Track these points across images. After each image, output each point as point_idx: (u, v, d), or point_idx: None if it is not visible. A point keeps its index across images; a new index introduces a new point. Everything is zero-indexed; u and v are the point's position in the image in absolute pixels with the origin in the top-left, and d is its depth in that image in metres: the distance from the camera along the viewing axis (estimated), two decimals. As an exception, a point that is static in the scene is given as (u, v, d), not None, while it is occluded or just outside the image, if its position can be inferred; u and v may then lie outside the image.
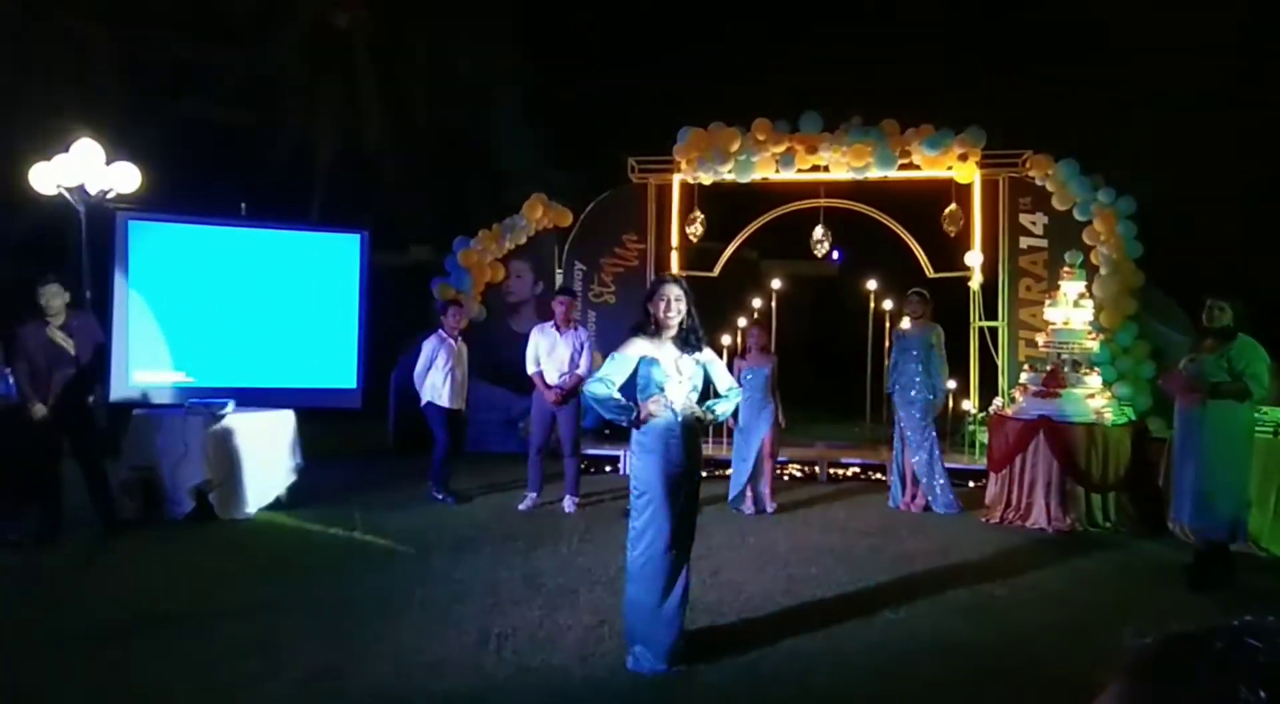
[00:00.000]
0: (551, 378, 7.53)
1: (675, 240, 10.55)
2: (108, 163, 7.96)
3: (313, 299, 9.44)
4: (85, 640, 4.55)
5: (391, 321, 10.63)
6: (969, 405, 9.75)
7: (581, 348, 7.62)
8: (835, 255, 10.50)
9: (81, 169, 7.84)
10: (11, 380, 6.43)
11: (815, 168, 9.92)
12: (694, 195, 10.39)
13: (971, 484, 8.64)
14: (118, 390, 8.59)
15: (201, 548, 6.35)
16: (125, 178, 8.02)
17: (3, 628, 4.75)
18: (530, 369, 7.63)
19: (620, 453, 9.45)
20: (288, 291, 9.31)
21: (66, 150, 7.95)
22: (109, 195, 8.05)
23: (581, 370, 7.54)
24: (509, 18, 16.57)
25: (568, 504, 7.62)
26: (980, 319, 10.01)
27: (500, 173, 15.96)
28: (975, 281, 9.92)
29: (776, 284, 10.03)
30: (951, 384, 8.88)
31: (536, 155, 16.23)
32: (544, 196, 10.86)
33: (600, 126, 16.52)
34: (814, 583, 5.65)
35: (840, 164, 9.74)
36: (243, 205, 9.70)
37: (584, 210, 10.94)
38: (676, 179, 10.43)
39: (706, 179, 10.13)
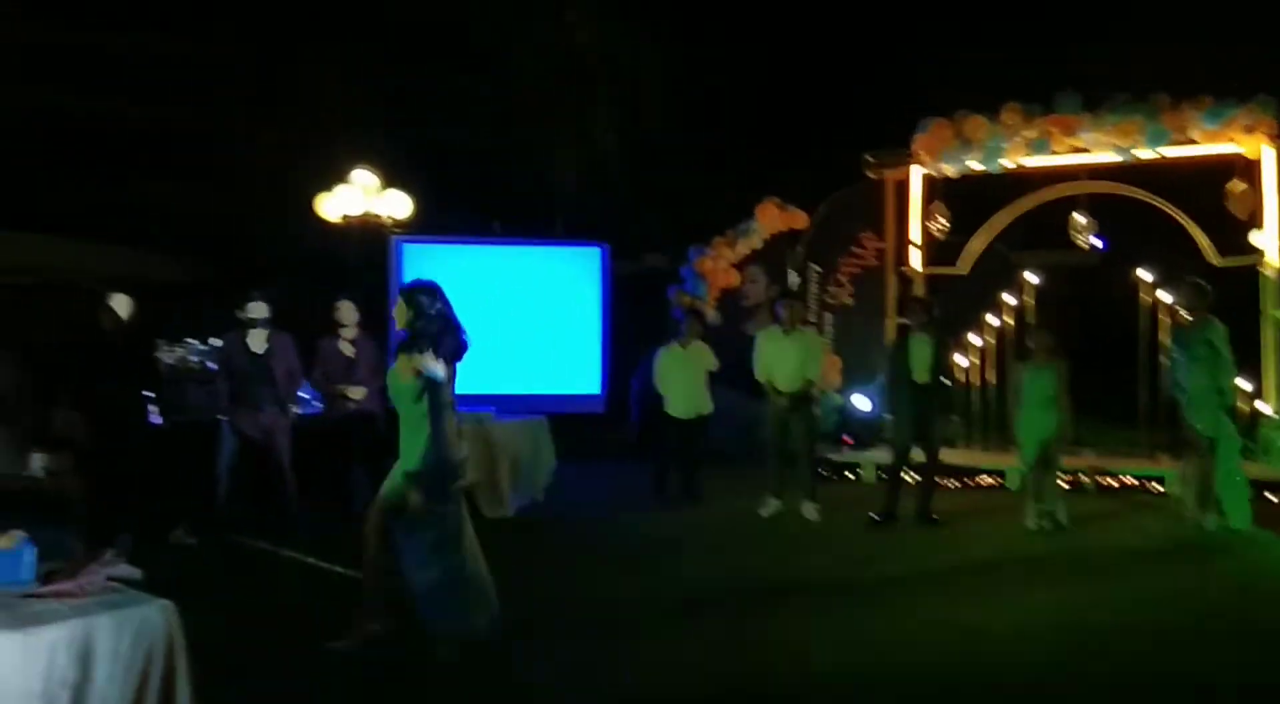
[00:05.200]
0: (782, 384, 7.46)
1: (917, 236, 10.12)
2: (382, 190, 8.78)
3: (559, 310, 9.91)
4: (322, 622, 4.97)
5: (628, 328, 10.97)
6: (1266, 408, 8.61)
7: (810, 351, 7.48)
8: (1099, 244, 9.64)
9: (359, 197, 8.68)
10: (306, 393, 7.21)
11: (1073, 150, 9.16)
12: (935, 188, 9.92)
13: (1270, 497, 7.63)
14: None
15: (469, 544, 6.79)
16: (398, 204, 8.80)
17: (296, 600, 5.30)
18: (759, 375, 7.59)
19: (861, 458, 9.19)
20: (538, 303, 9.83)
21: (347, 181, 8.85)
22: (384, 220, 8.87)
23: (811, 375, 7.42)
24: (734, 20, 16.63)
25: (809, 510, 7.50)
26: (1275, 308, 8.82)
27: (726, 178, 16.04)
28: (1270, 267, 8.76)
29: (1032, 278, 9.35)
30: (1245, 385, 7.89)
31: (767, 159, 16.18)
32: (777, 200, 10.79)
33: (829, 123, 16.22)
34: (1090, 606, 5.20)
35: (1103, 144, 8.94)
36: (497, 224, 10.36)
37: (817, 211, 10.74)
38: (916, 172, 10.01)
39: (951, 171, 9.63)
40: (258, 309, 6.78)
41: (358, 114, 14.59)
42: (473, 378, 9.42)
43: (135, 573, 2.85)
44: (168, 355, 8.50)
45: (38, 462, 7.66)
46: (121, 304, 6.36)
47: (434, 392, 4.11)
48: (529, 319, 9.81)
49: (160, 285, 12.04)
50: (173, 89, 21.86)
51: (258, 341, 6.79)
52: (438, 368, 4.13)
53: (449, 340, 4.23)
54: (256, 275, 11.87)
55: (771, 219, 10.72)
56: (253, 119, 16.39)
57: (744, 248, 10.81)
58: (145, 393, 6.51)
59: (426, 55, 15.50)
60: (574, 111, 15.59)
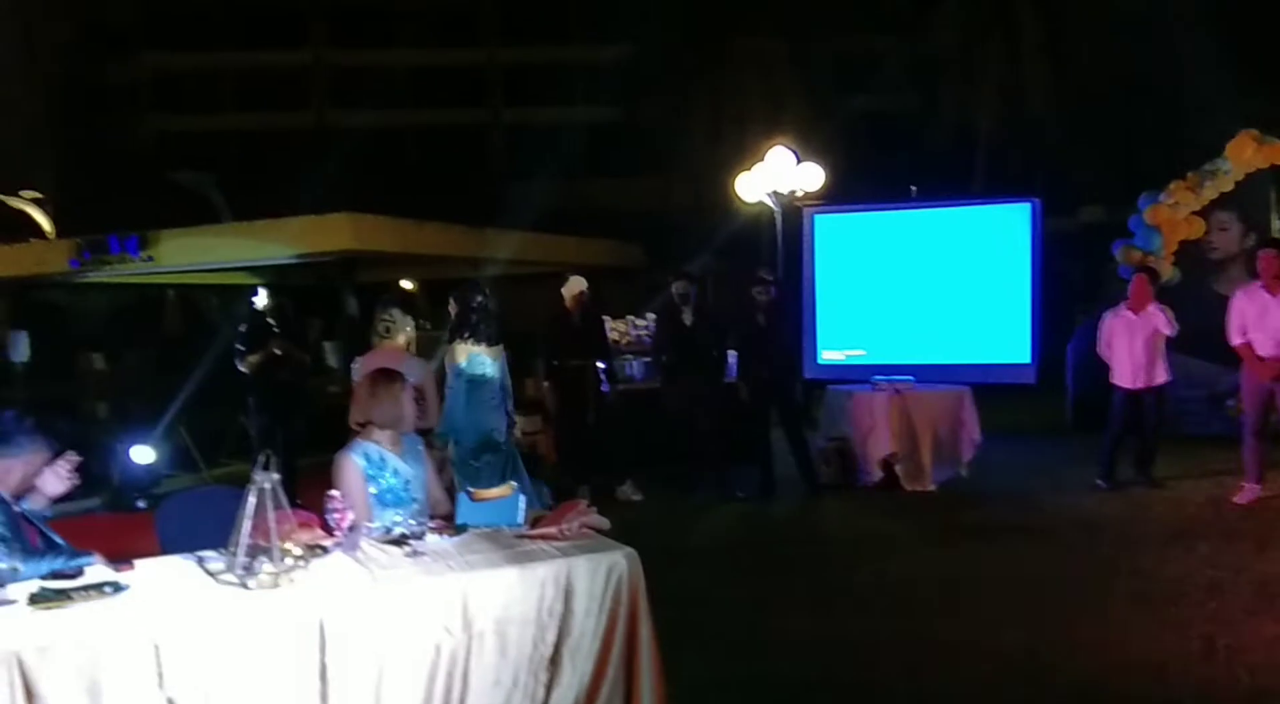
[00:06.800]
0: (1264, 348, 6.31)
1: None
2: (796, 165, 8.95)
3: (983, 273, 9.34)
4: (782, 576, 5.24)
5: (1061, 291, 10.05)
6: None
7: None
8: None
9: (775, 174, 8.94)
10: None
11: None
12: None
13: None
14: (809, 368, 9.58)
15: (891, 515, 6.74)
16: (811, 176, 8.92)
17: (734, 556, 5.66)
18: (1234, 340, 6.49)
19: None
20: (958, 267, 9.36)
21: (762, 160, 9.16)
22: (798, 194, 9.04)
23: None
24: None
25: (1303, 500, 6.33)
26: None
27: (1187, 112, 13.89)
28: None
29: None
30: None
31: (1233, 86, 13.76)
32: (1255, 133, 9.11)
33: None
34: None
35: None
36: (913, 188, 10.05)
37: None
38: None
39: None
40: (684, 287, 7.32)
41: (772, 94, 14.99)
42: (891, 346, 9.34)
43: (605, 522, 3.23)
44: (610, 331, 9.48)
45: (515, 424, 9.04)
46: (576, 286, 7.21)
47: (472, 369, 5.38)
48: (950, 284, 9.37)
49: (602, 269, 13.47)
50: (601, 93, 24.30)
51: (686, 317, 7.33)
52: (479, 351, 5.43)
53: (488, 328, 5.52)
54: (681, 256, 12.78)
55: (1248, 155, 9.08)
56: (674, 113, 17.58)
57: (1210, 191, 9.30)
58: (599, 364, 7.32)
59: (838, 26, 15.45)
60: (998, 61, 14.51)
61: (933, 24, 14.89)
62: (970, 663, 4.00)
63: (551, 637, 2.90)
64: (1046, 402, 10.12)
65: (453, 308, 5.67)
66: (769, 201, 9.16)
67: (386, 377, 3.63)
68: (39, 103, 23.83)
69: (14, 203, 18.78)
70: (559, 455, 7.65)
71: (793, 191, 9.06)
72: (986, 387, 8.46)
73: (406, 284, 18.57)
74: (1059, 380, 9.89)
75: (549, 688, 2.90)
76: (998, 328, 9.34)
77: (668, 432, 7.72)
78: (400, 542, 3.12)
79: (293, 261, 11.22)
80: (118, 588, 2.70)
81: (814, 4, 15.68)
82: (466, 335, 5.53)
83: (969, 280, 9.33)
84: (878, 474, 7.44)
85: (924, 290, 9.41)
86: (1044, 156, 14.58)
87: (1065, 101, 14.64)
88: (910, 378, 7.73)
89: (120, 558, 3.04)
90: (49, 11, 23.93)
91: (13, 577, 2.80)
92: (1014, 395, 9.81)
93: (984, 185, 14.65)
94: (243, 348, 7.21)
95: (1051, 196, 11.96)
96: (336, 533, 3.08)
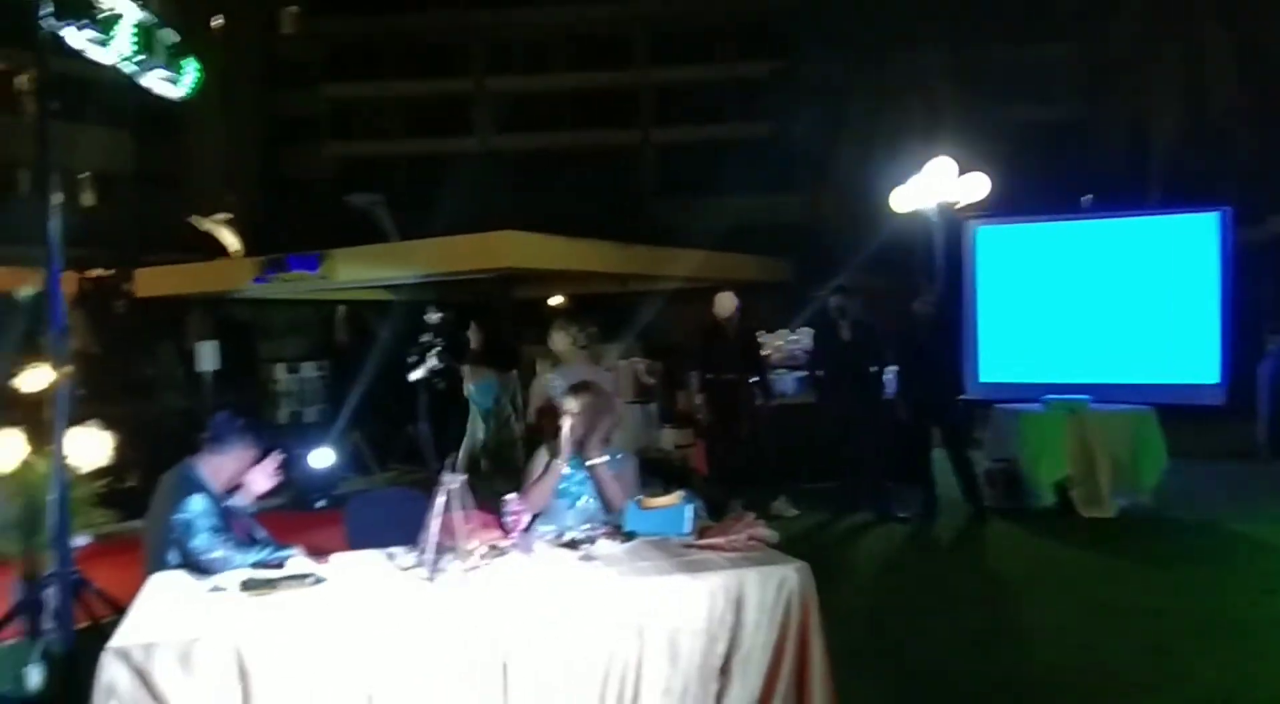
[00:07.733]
0: None
1: None
2: (958, 176, 8.64)
3: (1165, 287, 8.73)
4: (950, 602, 5.06)
5: (1251, 306, 9.24)
6: None
7: None
8: None
9: (936, 185, 8.65)
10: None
11: None
12: None
13: None
14: (972, 387, 9.18)
15: (1065, 541, 6.39)
16: (974, 187, 8.60)
17: (896, 578, 5.53)
18: None
19: None
20: (1138, 281, 8.79)
21: (921, 171, 8.86)
22: (959, 206, 8.72)
23: None
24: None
25: None
26: None
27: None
28: None
29: None
30: None
31: None
32: None
33: None
34: None
35: None
36: (1087, 197, 9.53)
37: None
38: None
39: None
40: (842, 301, 7.20)
41: (930, 105, 14.57)
42: (1060, 364, 8.84)
43: (773, 535, 3.19)
44: (764, 347, 9.40)
45: (667, 436, 9.12)
46: (727, 301, 7.19)
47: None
48: (1129, 299, 8.81)
49: (751, 284, 13.40)
50: (750, 110, 24.32)
51: (844, 331, 7.20)
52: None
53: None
54: (830, 271, 12.55)
55: None
56: (825, 127, 17.36)
57: None
58: (751, 378, 7.27)
59: (1000, 35, 14.89)
60: (1179, 61, 13.58)
61: (1104, 29, 14.11)
62: (1162, 699, 3.73)
63: (722, 647, 2.89)
64: (1236, 425, 9.36)
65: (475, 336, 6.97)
66: (929, 213, 8.88)
67: (594, 391, 3.76)
68: (231, 133, 26.00)
69: (206, 224, 20.47)
70: (711, 469, 7.64)
71: (954, 203, 8.75)
72: (1170, 408, 7.90)
73: (554, 301, 19.05)
74: (1249, 402, 9.12)
75: (719, 699, 2.88)
76: (1182, 345, 8.71)
77: (823, 448, 7.58)
78: (573, 546, 3.19)
79: (455, 278, 11.71)
80: (318, 579, 2.89)
81: (974, 14, 15.16)
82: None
83: (1150, 294, 8.76)
84: (1049, 498, 7.06)
85: (1099, 305, 8.90)
86: (1226, 163, 13.54)
87: (1252, 103, 13.56)
88: (1086, 397, 7.32)
89: (310, 552, 3.24)
90: (241, 49, 26.07)
91: (225, 565, 3.03)
92: (1200, 418, 9.11)
93: (1161, 194, 13.74)
94: (412, 361, 7.66)
95: (1237, 204, 11.08)
96: (513, 535, 3.18)
